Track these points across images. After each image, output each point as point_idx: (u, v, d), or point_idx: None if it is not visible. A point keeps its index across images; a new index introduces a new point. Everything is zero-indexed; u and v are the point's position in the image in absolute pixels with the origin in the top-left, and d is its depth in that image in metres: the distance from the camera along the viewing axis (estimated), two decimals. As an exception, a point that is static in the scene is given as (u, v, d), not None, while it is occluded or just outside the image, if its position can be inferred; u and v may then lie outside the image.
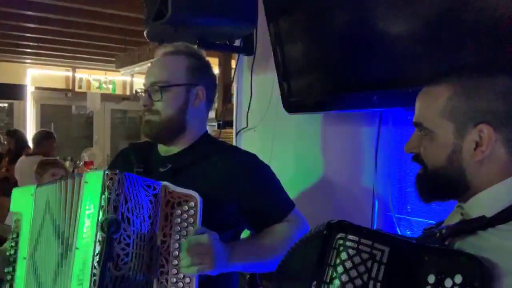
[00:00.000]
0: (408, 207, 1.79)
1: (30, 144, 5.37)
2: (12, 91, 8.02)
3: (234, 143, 2.67)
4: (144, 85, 1.51)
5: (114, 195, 1.19)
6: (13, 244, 1.39)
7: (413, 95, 1.06)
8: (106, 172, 1.23)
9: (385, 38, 1.64)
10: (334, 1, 1.87)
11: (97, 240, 1.18)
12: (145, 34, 2.18)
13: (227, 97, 3.13)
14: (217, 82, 1.65)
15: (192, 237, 1.26)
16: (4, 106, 8.37)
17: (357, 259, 0.89)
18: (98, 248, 1.18)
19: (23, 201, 1.41)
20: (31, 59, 7.58)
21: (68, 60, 7.49)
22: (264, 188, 1.52)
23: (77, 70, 8.46)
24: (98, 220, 1.19)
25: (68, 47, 6.37)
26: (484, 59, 1.34)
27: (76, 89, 8.54)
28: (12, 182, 4.69)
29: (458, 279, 0.82)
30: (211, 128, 4.17)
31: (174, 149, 1.53)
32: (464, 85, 0.97)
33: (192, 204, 1.29)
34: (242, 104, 2.65)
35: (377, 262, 0.88)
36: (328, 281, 0.90)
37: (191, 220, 1.29)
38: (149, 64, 1.96)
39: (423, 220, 1.71)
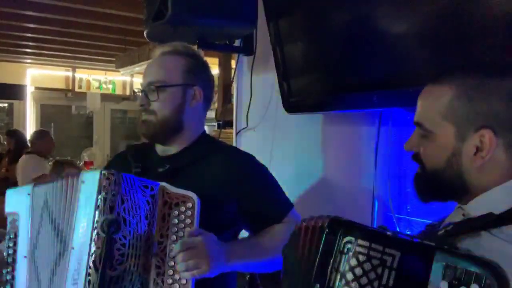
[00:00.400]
0: (408, 207, 1.79)
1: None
2: (12, 91, 8.00)
3: (234, 143, 2.67)
4: (141, 85, 1.50)
5: (110, 195, 1.19)
6: (11, 244, 1.38)
7: (413, 95, 1.04)
8: (103, 172, 1.23)
9: (385, 38, 1.64)
10: (334, 1, 1.86)
11: (92, 240, 1.18)
12: (145, 34, 2.17)
13: (227, 97, 3.12)
14: (215, 82, 1.64)
15: (186, 239, 1.25)
16: (4, 106, 8.35)
17: (367, 266, 0.85)
18: (93, 248, 1.17)
19: (19, 201, 1.40)
20: (31, 59, 7.56)
21: (68, 60, 7.47)
22: (264, 189, 1.51)
23: (77, 70, 8.44)
24: (94, 220, 1.19)
25: (68, 47, 6.36)
26: (485, 59, 1.33)
27: (76, 89, 8.51)
28: (12, 182, 4.69)
29: None
30: (211, 128, 4.17)
31: (172, 149, 1.52)
32: (467, 86, 0.94)
33: (190, 205, 1.28)
34: (242, 104, 2.65)
35: (387, 268, 0.84)
36: (332, 286, 0.87)
37: (188, 221, 1.28)
38: (148, 64, 1.95)
39: (423, 220, 1.71)
